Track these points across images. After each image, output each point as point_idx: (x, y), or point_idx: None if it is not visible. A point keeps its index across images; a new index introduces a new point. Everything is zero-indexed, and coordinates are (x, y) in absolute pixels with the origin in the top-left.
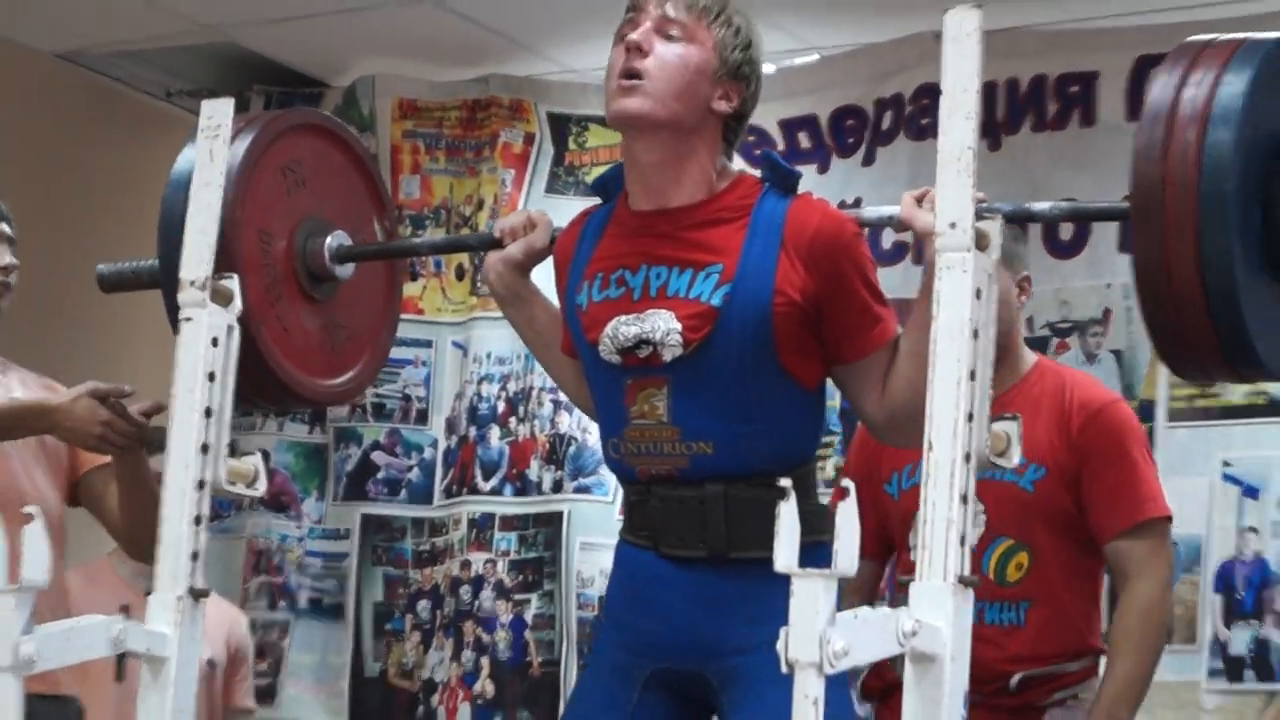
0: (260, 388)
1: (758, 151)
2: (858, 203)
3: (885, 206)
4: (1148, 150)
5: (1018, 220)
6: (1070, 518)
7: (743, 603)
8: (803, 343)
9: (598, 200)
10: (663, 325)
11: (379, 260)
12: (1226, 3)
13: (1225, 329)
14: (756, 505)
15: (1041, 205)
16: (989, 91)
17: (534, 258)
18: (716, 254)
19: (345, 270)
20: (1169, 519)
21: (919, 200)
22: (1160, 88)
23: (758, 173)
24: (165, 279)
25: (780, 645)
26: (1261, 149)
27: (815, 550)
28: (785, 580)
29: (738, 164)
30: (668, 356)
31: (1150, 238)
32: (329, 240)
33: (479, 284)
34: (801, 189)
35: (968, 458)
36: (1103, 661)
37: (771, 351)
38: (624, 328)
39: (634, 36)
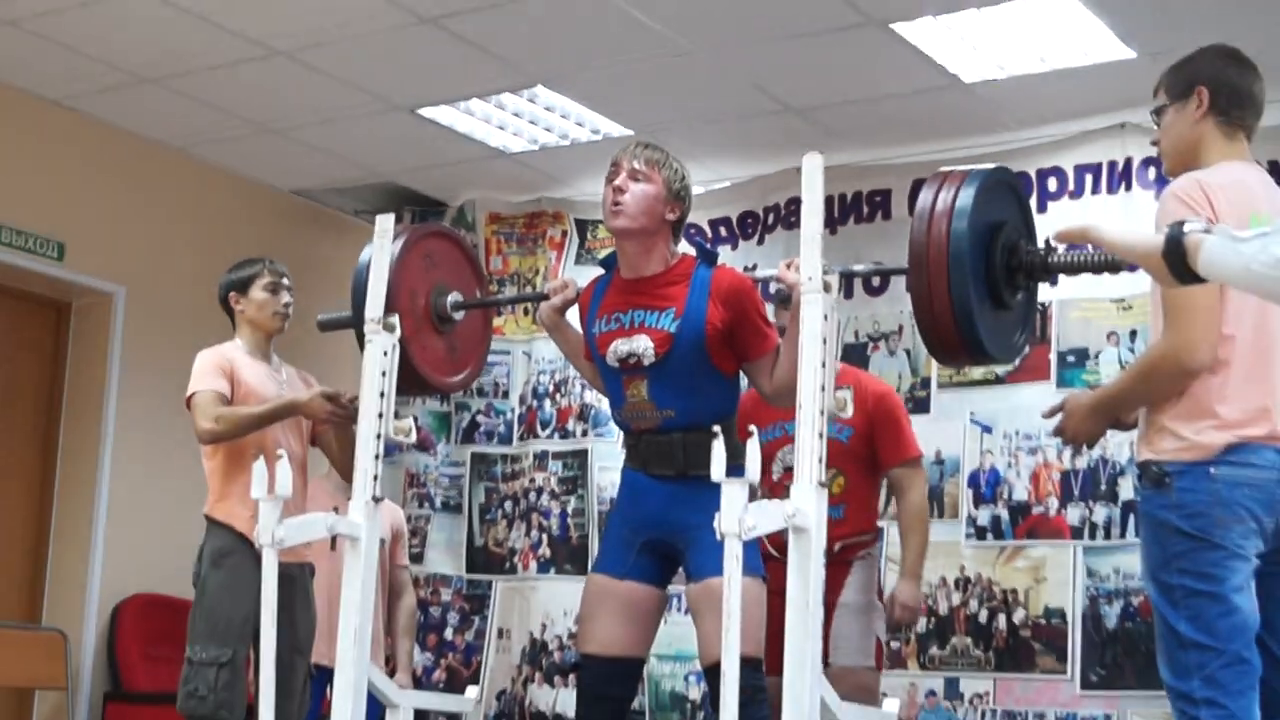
0: (410, 383)
1: (696, 239)
2: (754, 267)
3: (769, 269)
4: (917, 231)
5: (845, 275)
6: (866, 457)
7: (695, 499)
8: (723, 350)
9: (601, 271)
10: (642, 345)
11: (478, 309)
12: (966, 147)
13: (965, 335)
14: (702, 445)
15: (859, 266)
16: (829, 200)
17: (567, 304)
18: (671, 302)
19: (459, 315)
20: (921, 455)
21: (788, 265)
22: (924, 196)
23: (693, 252)
24: (355, 321)
25: (715, 523)
26: (983, 230)
27: (735, 468)
28: (718, 486)
29: (683, 246)
30: (646, 363)
31: (920, 283)
32: (449, 298)
33: (536, 319)
34: (721, 260)
35: (822, 412)
36: (882, 533)
37: (706, 356)
38: (620, 346)
39: (616, 183)
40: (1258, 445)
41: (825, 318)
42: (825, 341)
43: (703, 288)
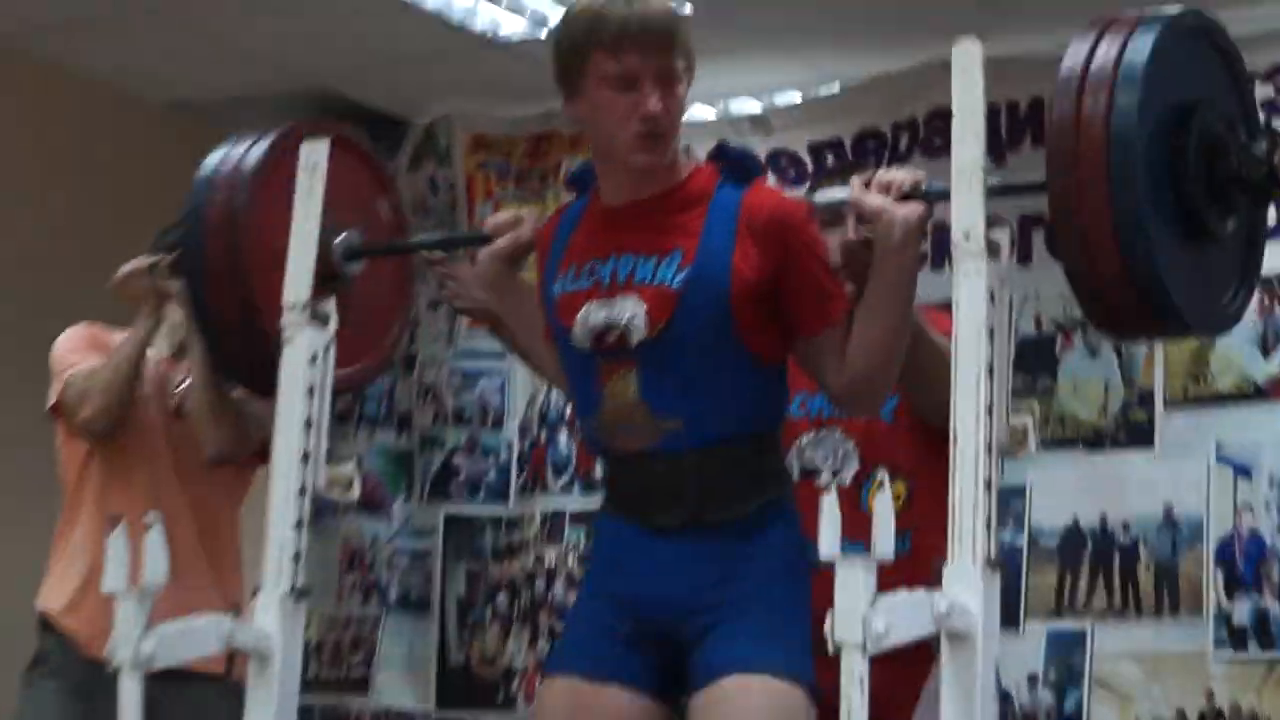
0: (261, 381)
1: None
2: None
3: (838, 189)
4: (1060, 115)
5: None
6: (931, 433)
7: (713, 564)
8: (761, 320)
9: (570, 195)
10: (629, 310)
11: (386, 256)
12: None
13: (1140, 283)
14: (725, 469)
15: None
16: (991, 112)
17: (520, 250)
18: (677, 239)
19: (355, 266)
20: None
21: (867, 184)
22: (1071, 54)
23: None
24: (186, 264)
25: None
26: (1168, 112)
27: (775, 507)
28: (751, 539)
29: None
30: (634, 340)
31: (1065, 196)
32: (339, 241)
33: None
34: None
35: (990, 448)
36: None
37: (731, 330)
38: (594, 313)
39: (652, 108)
40: None
41: (991, 298)
42: (993, 335)
43: (728, 218)
